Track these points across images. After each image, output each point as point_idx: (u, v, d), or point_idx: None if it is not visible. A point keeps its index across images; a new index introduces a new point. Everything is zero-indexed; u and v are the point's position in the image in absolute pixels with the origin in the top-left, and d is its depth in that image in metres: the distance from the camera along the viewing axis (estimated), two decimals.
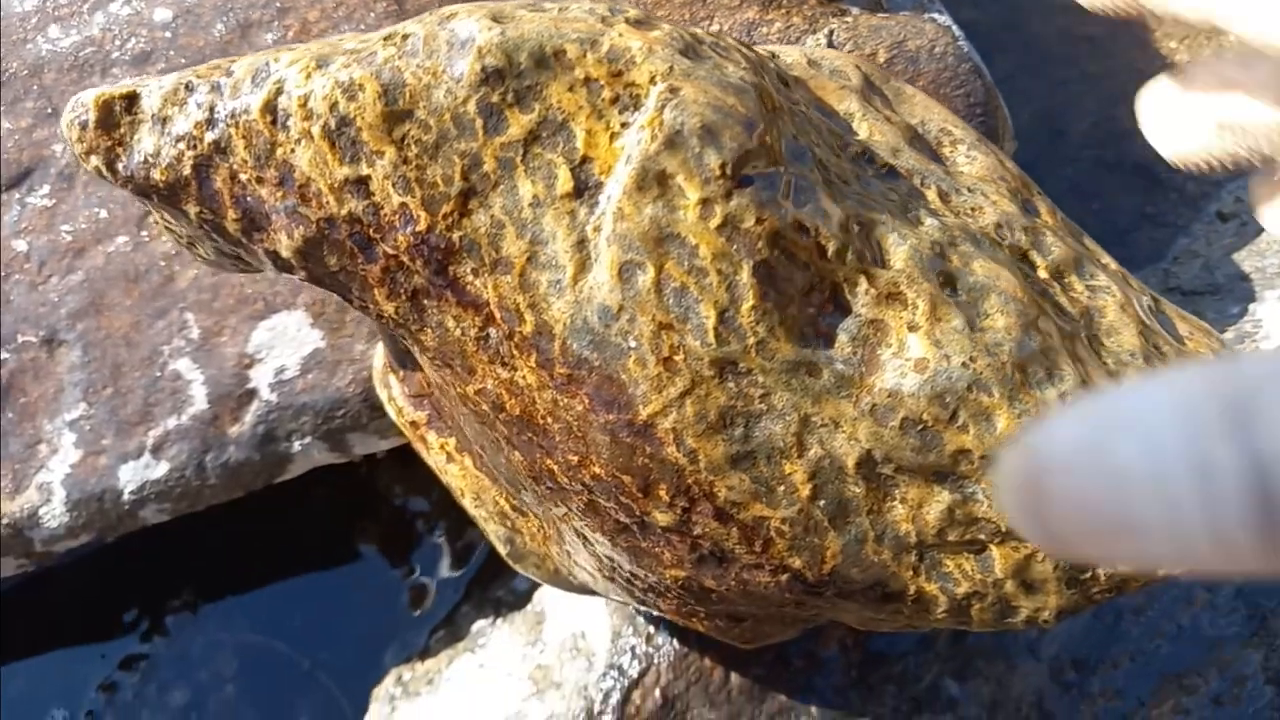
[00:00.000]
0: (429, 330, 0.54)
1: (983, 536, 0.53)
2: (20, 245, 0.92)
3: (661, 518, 0.53)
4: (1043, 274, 0.55)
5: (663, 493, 0.53)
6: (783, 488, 0.52)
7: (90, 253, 0.91)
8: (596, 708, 0.80)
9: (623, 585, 0.62)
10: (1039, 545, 0.28)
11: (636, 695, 0.80)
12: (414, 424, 0.73)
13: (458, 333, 0.53)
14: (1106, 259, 0.58)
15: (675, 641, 0.81)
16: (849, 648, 0.81)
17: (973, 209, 0.56)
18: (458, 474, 0.70)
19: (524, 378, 0.53)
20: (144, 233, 0.90)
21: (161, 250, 0.89)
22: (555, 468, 0.55)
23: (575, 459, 0.54)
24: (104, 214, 0.91)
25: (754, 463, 0.52)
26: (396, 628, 1.15)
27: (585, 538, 0.59)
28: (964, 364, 0.50)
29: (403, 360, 0.72)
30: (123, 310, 0.91)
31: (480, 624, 1.02)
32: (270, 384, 0.87)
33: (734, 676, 0.80)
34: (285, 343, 0.87)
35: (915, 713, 0.81)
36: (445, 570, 1.17)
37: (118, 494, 0.90)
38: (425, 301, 0.53)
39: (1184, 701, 0.83)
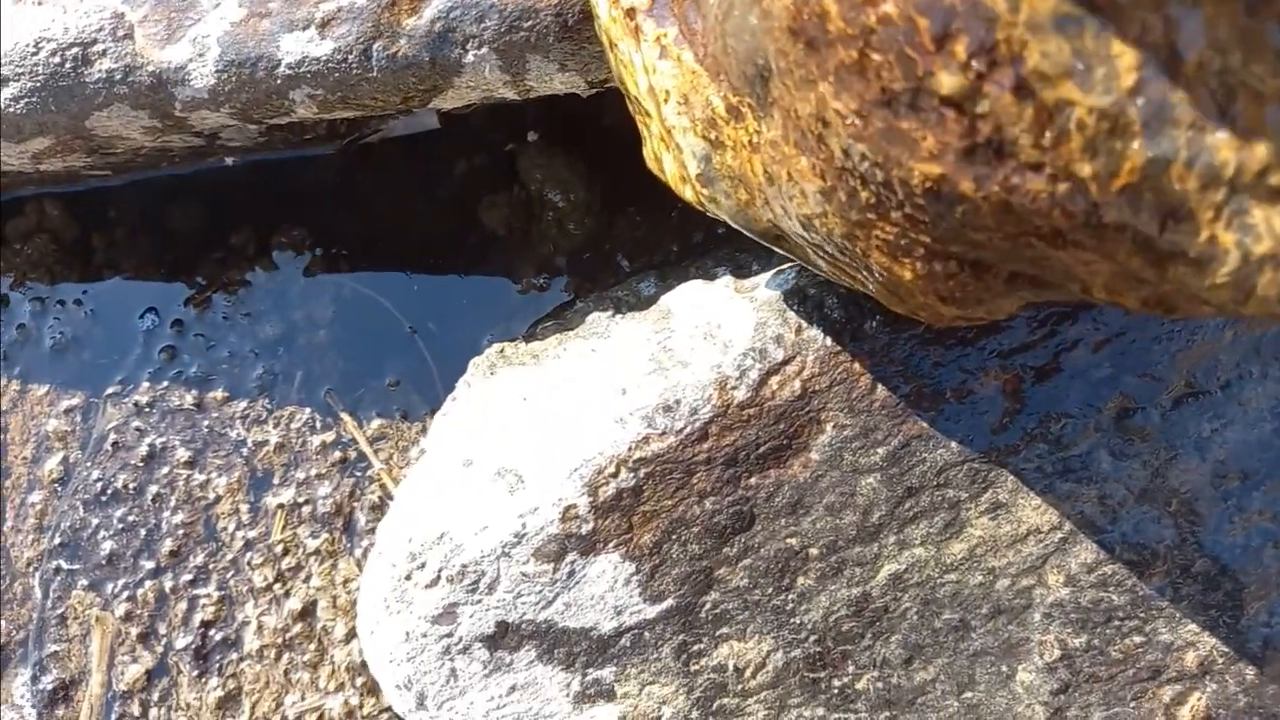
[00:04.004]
0: None
1: None
2: None
3: (947, 82, 0.46)
4: None
5: (960, 47, 0.45)
6: (1104, 70, 0.45)
7: None
8: (730, 382, 0.75)
9: (840, 203, 0.56)
10: None
11: (775, 380, 0.75)
12: (630, 12, 0.66)
13: None
14: None
15: (828, 340, 0.75)
16: (1008, 394, 0.75)
17: None
18: (670, 71, 0.64)
19: None
20: None
21: None
22: (834, 7, 0.48)
23: None
24: None
25: (1081, 30, 0.44)
26: (505, 312, 1.11)
27: (826, 123, 0.53)
28: None
29: None
30: None
31: (596, 315, 0.98)
32: None
33: (880, 389, 0.75)
34: None
35: (1059, 476, 0.75)
36: (564, 267, 1.12)
37: (274, 64, 0.85)
38: None
39: None
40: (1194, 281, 0.49)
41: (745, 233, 0.69)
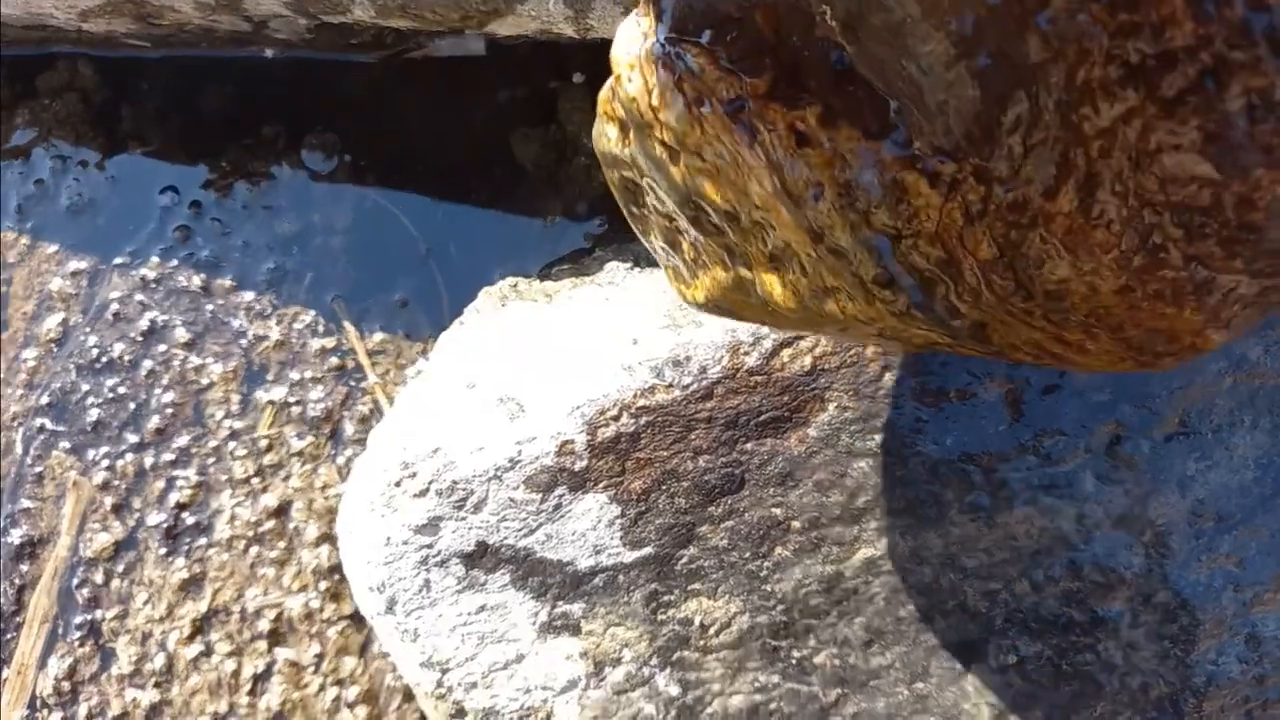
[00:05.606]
0: None
1: None
2: None
3: None
4: None
5: None
6: None
7: None
8: (744, 347, 0.76)
9: (1120, 250, 0.48)
10: None
11: (787, 353, 0.76)
12: (737, 108, 0.53)
13: None
14: None
15: None
16: (1009, 403, 0.77)
17: None
18: (818, 159, 0.53)
19: None
20: None
21: None
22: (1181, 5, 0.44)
23: None
24: None
25: None
26: (521, 248, 1.12)
27: (1141, 155, 0.47)
28: None
29: None
30: None
31: (615, 265, 0.98)
32: None
33: (888, 378, 0.76)
34: None
35: (1044, 489, 0.77)
36: (587, 213, 1.13)
37: None
38: None
39: None
40: None
41: (941, 343, 0.59)
